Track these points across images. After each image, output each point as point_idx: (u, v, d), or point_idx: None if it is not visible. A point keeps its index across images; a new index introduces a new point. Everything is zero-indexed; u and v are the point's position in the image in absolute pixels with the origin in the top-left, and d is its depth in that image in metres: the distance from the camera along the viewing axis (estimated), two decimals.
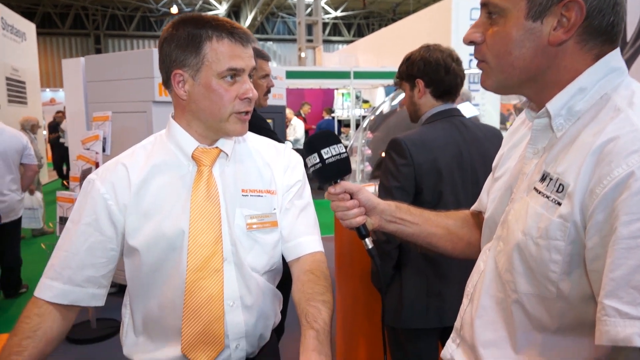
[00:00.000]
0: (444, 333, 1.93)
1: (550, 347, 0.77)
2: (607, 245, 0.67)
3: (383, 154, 2.22)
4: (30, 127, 6.74)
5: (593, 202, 0.69)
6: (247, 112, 1.11)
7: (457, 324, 0.98)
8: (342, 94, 12.23)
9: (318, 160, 1.08)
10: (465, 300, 0.96)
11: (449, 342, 0.99)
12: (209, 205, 1.11)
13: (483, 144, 1.78)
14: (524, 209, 0.81)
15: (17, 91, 8.86)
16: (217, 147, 1.16)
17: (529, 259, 0.78)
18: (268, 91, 2.46)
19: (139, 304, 1.15)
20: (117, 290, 4.54)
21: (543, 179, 0.79)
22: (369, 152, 4.41)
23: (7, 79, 8.45)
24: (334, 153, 1.08)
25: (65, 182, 6.49)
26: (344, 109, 12.09)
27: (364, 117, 9.12)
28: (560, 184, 0.75)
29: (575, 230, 0.72)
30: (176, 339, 1.09)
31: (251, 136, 1.27)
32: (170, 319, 1.10)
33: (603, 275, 0.66)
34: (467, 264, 1.05)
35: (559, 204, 0.74)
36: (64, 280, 1.10)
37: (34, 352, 1.04)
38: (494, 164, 1.06)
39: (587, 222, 0.71)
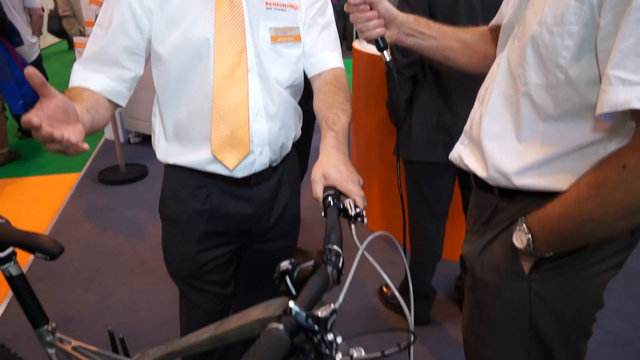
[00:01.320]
0: (460, 175, 2.04)
1: (552, 134, 0.84)
2: (619, 22, 0.69)
3: None
4: None
5: None
6: None
7: (466, 126, 1.05)
8: None
9: None
10: (476, 104, 1.02)
11: (457, 144, 1.07)
12: (232, 16, 1.13)
13: None
14: (542, 1, 0.82)
15: None
16: None
17: (541, 48, 0.81)
18: None
19: (168, 112, 1.23)
20: (141, 140, 4.76)
21: None
22: None
23: None
24: None
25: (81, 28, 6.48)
26: None
27: None
28: None
29: (590, 11, 0.74)
30: (205, 144, 1.19)
31: None
32: (199, 124, 1.19)
33: (612, 49, 0.70)
34: None
35: None
36: (95, 74, 1.12)
37: (82, 103, 1.00)
38: None
39: (603, 1, 0.73)
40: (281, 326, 0.56)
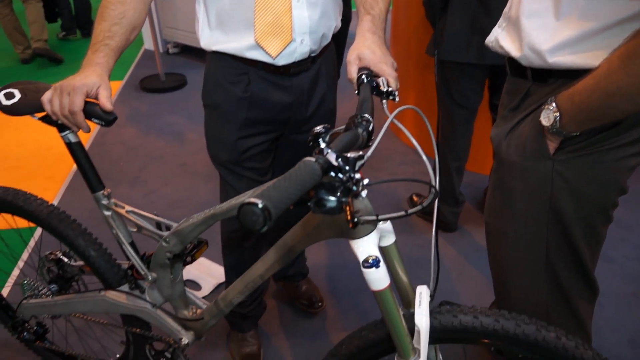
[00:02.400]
0: (493, 76, 2.02)
1: (591, 10, 0.83)
2: None
3: None
4: None
5: None
6: None
7: (505, 9, 1.04)
8: None
9: None
10: None
11: (494, 28, 1.07)
12: None
13: None
14: None
15: None
16: None
17: None
18: None
19: (212, 0, 1.26)
20: (180, 50, 4.80)
21: None
22: None
23: None
24: None
25: None
26: None
27: None
28: None
29: None
30: (248, 31, 1.23)
31: None
32: (242, 12, 1.21)
33: None
34: None
35: None
36: None
37: (122, 37, 1.14)
38: None
39: None
40: (314, 159, 0.62)
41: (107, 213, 1.18)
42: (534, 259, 1.07)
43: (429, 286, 0.98)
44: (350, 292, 2.04)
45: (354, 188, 0.64)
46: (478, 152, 2.72)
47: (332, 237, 0.92)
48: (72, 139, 1.12)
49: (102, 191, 1.17)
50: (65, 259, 1.41)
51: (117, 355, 1.55)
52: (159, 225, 1.14)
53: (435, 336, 0.96)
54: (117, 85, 4.06)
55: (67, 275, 1.45)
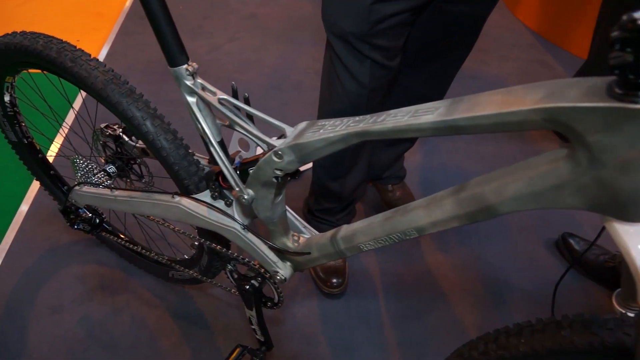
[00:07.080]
0: None
1: None
2: None
3: None
4: None
5: None
6: None
7: None
8: None
9: None
10: None
11: None
12: None
13: None
14: None
15: None
16: None
17: None
18: None
19: None
20: None
21: None
22: None
23: None
24: None
25: None
26: None
27: None
28: None
29: None
30: None
31: None
32: None
33: None
34: None
35: None
36: None
37: None
38: None
39: None
40: None
41: (191, 99, 0.81)
42: None
43: None
44: None
45: None
46: (574, 31, 2.32)
47: (579, 207, 0.55)
48: None
49: (185, 65, 0.79)
50: (126, 138, 1.10)
51: (185, 256, 1.30)
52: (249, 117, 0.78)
53: None
54: None
55: (127, 156, 1.14)
